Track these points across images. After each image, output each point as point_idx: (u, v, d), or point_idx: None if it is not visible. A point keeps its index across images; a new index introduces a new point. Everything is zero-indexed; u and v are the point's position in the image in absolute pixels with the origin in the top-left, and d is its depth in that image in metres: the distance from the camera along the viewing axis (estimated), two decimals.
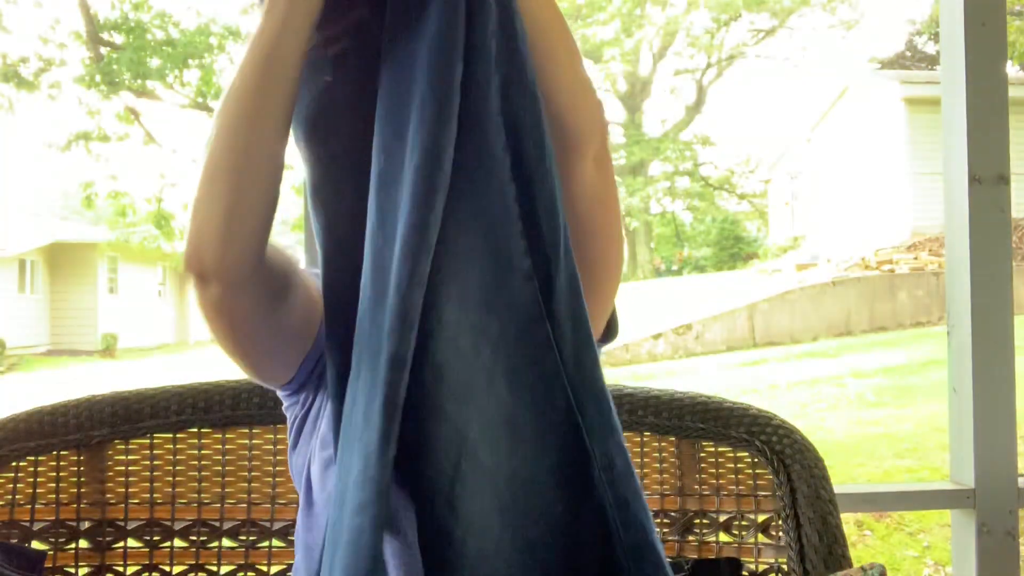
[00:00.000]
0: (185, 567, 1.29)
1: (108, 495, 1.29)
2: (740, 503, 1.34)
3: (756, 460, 1.34)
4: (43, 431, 1.27)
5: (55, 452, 1.28)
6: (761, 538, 1.33)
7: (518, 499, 0.72)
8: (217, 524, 1.30)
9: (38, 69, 9.31)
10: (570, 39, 0.84)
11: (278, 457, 1.33)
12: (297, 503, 1.01)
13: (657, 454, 1.37)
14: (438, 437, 0.72)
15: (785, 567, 1.30)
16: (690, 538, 1.34)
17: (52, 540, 1.26)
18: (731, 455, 1.35)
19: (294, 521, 1.06)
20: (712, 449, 1.35)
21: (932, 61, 22.48)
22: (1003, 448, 1.66)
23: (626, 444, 0.74)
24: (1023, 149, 5.02)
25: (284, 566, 1.30)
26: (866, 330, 12.25)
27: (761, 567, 1.32)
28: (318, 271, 0.88)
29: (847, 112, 16.28)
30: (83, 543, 1.28)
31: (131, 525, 1.29)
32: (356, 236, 0.77)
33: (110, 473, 1.29)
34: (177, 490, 1.30)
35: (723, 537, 1.34)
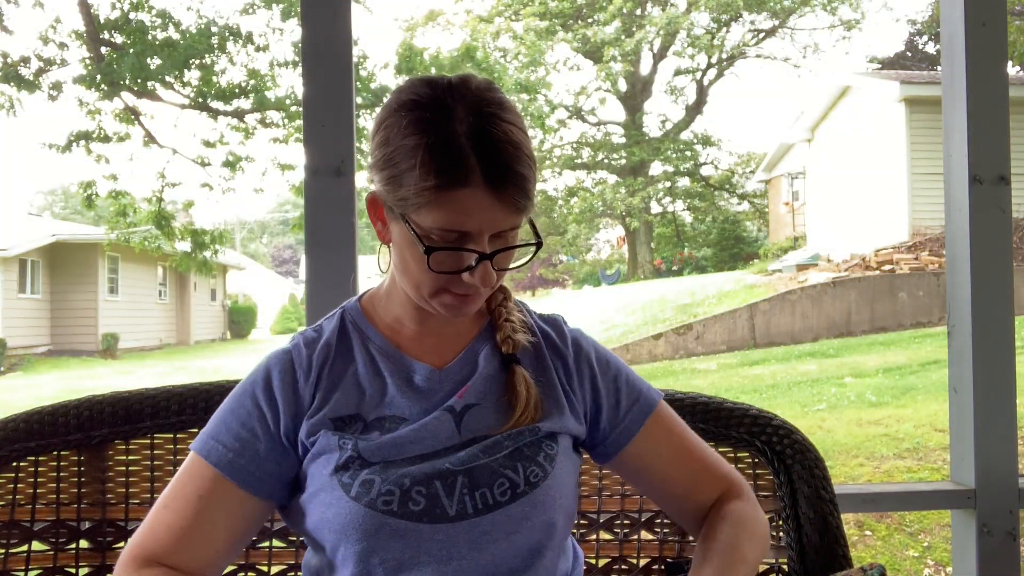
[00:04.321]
0: None
1: (109, 495, 1.29)
2: None
3: (756, 460, 1.34)
4: (43, 431, 1.27)
5: (56, 452, 1.28)
6: None
7: None
8: None
9: (38, 69, 9.30)
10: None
11: None
12: None
13: None
14: None
15: (785, 567, 1.30)
16: (691, 538, 1.34)
17: (53, 540, 1.26)
18: (731, 455, 1.35)
19: None
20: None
21: (932, 61, 22.50)
22: (1003, 448, 1.66)
23: None
24: (1023, 149, 5.02)
25: (285, 566, 1.30)
26: (866, 330, 12.26)
27: (762, 567, 1.32)
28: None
29: (847, 112, 16.28)
30: (84, 543, 1.27)
31: (132, 525, 1.28)
32: None
33: (111, 473, 1.29)
34: None
35: None
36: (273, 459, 1.02)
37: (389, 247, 1.04)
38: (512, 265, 1.02)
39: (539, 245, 1.01)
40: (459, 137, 0.92)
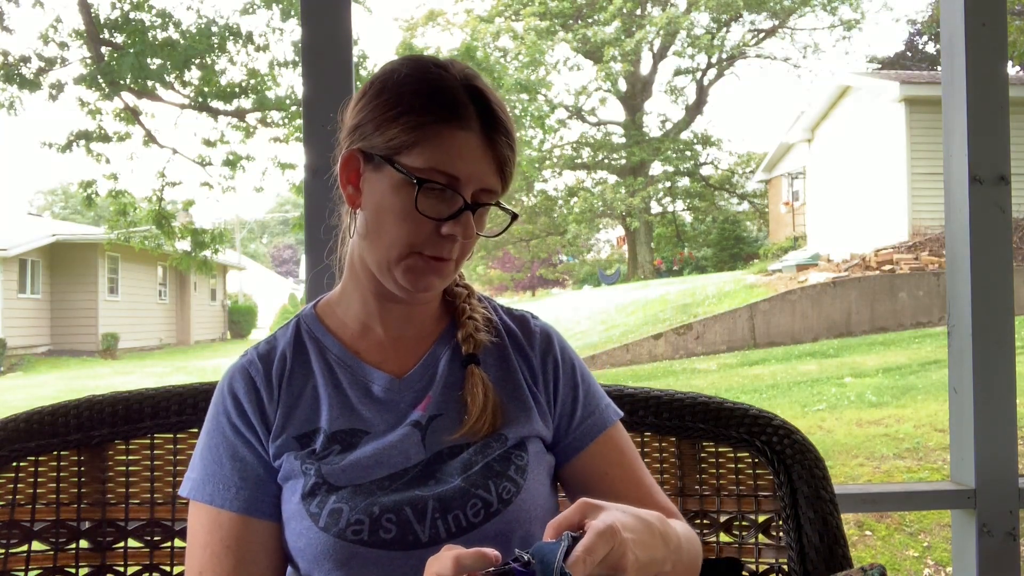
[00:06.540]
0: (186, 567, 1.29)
1: (108, 495, 1.29)
2: (740, 503, 1.34)
3: (756, 460, 1.34)
4: (43, 431, 1.27)
5: (55, 452, 1.28)
6: (761, 538, 1.33)
7: None
8: None
9: (39, 68, 9.30)
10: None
11: None
12: None
13: (657, 454, 1.37)
14: None
15: (786, 567, 1.30)
16: None
17: (52, 540, 1.26)
18: (731, 455, 1.35)
19: None
20: (712, 449, 1.35)
21: (932, 61, 22.50)
22: (1003, 448, 1.66)
23: None
24: (1023, 149, 5.02)
25: None
26: (866, 330, 12.25)
27: (762, 567, 1.32)
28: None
29: (847, 112, 16.28)
30: (83, 543, 1.28)
31: (131, 525, 1.28)
32: None
33: (110, 473, 1.29)
34: (177, 490, 1.30)
35: (723, 537, 1.34)
36: (272, 478, 1.00)
37: (355, 216, 1.01)
38: (486, 233, 1.02)
39: (515, 216, 1.02)
40: (457, 85, 0.96)
